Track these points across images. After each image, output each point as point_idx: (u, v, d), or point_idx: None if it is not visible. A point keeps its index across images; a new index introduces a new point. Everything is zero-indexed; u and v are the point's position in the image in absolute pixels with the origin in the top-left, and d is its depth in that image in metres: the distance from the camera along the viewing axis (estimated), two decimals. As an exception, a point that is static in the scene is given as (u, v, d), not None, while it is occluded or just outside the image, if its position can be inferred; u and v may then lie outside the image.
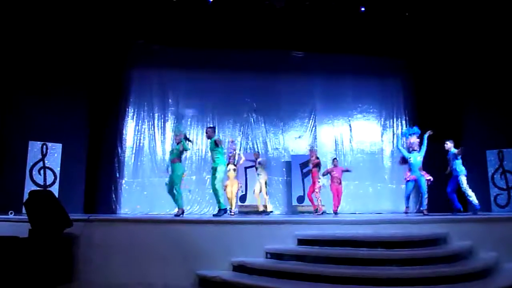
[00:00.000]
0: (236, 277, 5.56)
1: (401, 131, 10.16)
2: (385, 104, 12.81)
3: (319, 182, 9.94)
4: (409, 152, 8.74)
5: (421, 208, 8.56)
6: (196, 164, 11.90)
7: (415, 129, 8.98)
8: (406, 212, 8.87)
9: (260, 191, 10.06)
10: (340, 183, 9.88)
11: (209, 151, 8.42)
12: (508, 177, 10.15)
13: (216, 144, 8.06)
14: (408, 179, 8.69)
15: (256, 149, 12.07)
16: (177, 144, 8.07)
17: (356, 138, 12.58)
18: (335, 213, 9.77)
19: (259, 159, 10.40)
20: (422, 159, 8.61)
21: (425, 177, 8.47)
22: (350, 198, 11.42)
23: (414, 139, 8.75)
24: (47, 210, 5.92)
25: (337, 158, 10.54)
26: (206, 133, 8.48)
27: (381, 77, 12.80)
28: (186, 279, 5.84)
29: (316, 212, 9.88)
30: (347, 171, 10.19)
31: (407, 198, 8.86)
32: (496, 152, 10.34)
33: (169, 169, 8.05)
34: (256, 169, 10.35)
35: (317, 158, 10.22)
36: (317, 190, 9.87)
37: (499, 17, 10.46)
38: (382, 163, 12.46)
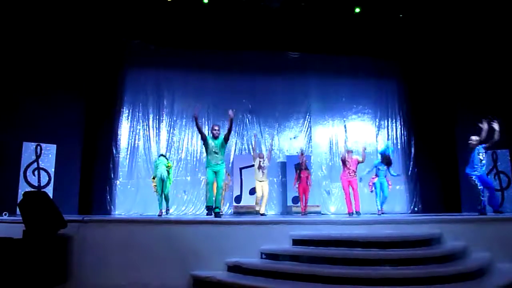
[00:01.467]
0: (231, 278, 5.57)
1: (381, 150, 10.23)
2: (380, 105, 12.87)
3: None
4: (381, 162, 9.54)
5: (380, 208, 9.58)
6: (191, 165, 11.91)
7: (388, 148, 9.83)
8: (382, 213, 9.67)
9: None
10: (355, 175, 9.20)
11: (214, 151, 7.73)
12: (502, 178, 10.23)
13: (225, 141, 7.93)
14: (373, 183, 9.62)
15: (251, 150, 12.09)
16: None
17: (351, 138, 12.58)
18: (357, 213, 9.06)
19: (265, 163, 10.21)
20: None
21: (388, 183, 9.62)
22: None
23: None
24: (41, 211, 5.89)
25: (352, 150, 9.68)
26: (215, 130, 7.83)
27: (376, 78, 12.85)
28: (180, 280, 5.84)
29: (305, 213, 10.06)
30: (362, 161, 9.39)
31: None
32: (490, 153, 10.39)
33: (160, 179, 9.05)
34: (261, 169, 10.08)
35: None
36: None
37: (492, 21, 10.54)
38: (377, 164, 12.49)
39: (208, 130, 11.66)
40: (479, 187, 8.05)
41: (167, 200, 9.38)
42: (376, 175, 9.54)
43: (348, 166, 9.13)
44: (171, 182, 9.36)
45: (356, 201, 9.15)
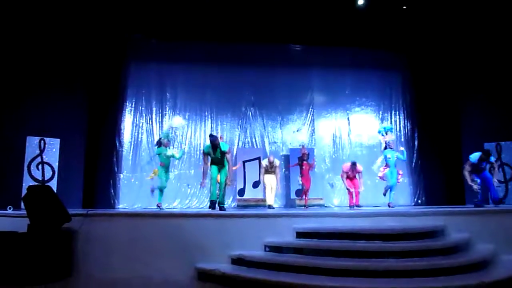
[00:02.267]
0: (235, 270, 5.60)
1: (378, 130, 10.24)
2: (383, 97, 12.80)
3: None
4: (385, 148, 9.48)
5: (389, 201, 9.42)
6: (194, 158, 11.89)
7: (390, 127, 10.10)
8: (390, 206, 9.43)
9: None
10: (354, 178, 9.48)
11: (216, 160, 7.92)
12: (506, 170, 10.20)
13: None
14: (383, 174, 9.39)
15: (254, 143, 12.15)
16: (165, 147, 9.08)
17: (354, 131, 12.58)
18: (357, 206, 9.32)
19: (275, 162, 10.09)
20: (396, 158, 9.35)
21: (399, 173, 9.41)
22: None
23: (390, 137, 9.58)
24: (46, 205, 5.92)
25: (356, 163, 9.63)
26: (217, 140, 7.91)
27: (379, 70, 12.77)
28: (185, 273, 5.86)
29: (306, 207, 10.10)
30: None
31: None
32: (494, 145, 10.37)
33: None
34: (270, 171, 10.00)
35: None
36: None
37: (498, 11, 10.45)
38: (380, 156, 12.47)
39: (212, 128, 11.93)
40: (476, 179, 8.43)
41: (162, 192, 9.20)
42: (387, 165, 9.34)
43: (349, 176, 9.43)
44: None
45: (356, 196, 9.42)
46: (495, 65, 10.71)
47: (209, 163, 7.96)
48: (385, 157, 9.37)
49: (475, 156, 8.45)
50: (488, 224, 6.30)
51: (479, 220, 6.41)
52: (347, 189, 9.37)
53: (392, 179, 9.27)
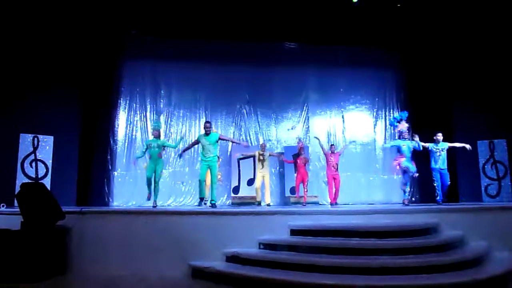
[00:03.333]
0: (229, 268, 5.60)
1: (389, 121, 10.09)
2: (377, 95, 12.83)
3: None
4: (399, 138, 9.05)
5: (403, 198, 9.05)
6: (189, 156, 11.83)
7: (403, 113, 9.37)
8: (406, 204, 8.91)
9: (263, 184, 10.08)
10: (337, 170, 9.76)
11: (207, 146, 7.98)
12: (499, 168, 10.27)
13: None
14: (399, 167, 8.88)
15: (249, 141, 12.13)
16: (156, 138, 8.73)
17: (348, 129, 12.59)
18: (332, 204, 9.61)
19: (269, 153, 10.28)
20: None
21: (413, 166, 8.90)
22: (342, 189, 11.44)
23: (403, 126, 9.07)
24: (39, 203, 5.90)
25: (334, 145, 10.54)
26: (207, 128, 8.07)
27: (374, 68, 12.79)
28: (179, 270, 5.87)
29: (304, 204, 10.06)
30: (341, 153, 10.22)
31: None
32: (487, 142, 10.44)
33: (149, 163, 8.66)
34: (263, 161, 10.11)
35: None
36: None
37: (491, 11, 10.49)
38: (375, 154, 12.50)
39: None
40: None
41: (156, 190, 8.57)
42: (402, 155, 8.76)
43: (330, 160, 9.78)
44: (162, 168, 8.78)
45: (336, 194, 9.75)
46: (488, 64, 10.76)
47: (195, 145, 8.51)
48: (399, 147, 8.82)
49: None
50: (481, 221, 6.34)
51: (472, 217, 6.45)
52: (328, 183, 9.86)
53: (412, 168, 8.73)
